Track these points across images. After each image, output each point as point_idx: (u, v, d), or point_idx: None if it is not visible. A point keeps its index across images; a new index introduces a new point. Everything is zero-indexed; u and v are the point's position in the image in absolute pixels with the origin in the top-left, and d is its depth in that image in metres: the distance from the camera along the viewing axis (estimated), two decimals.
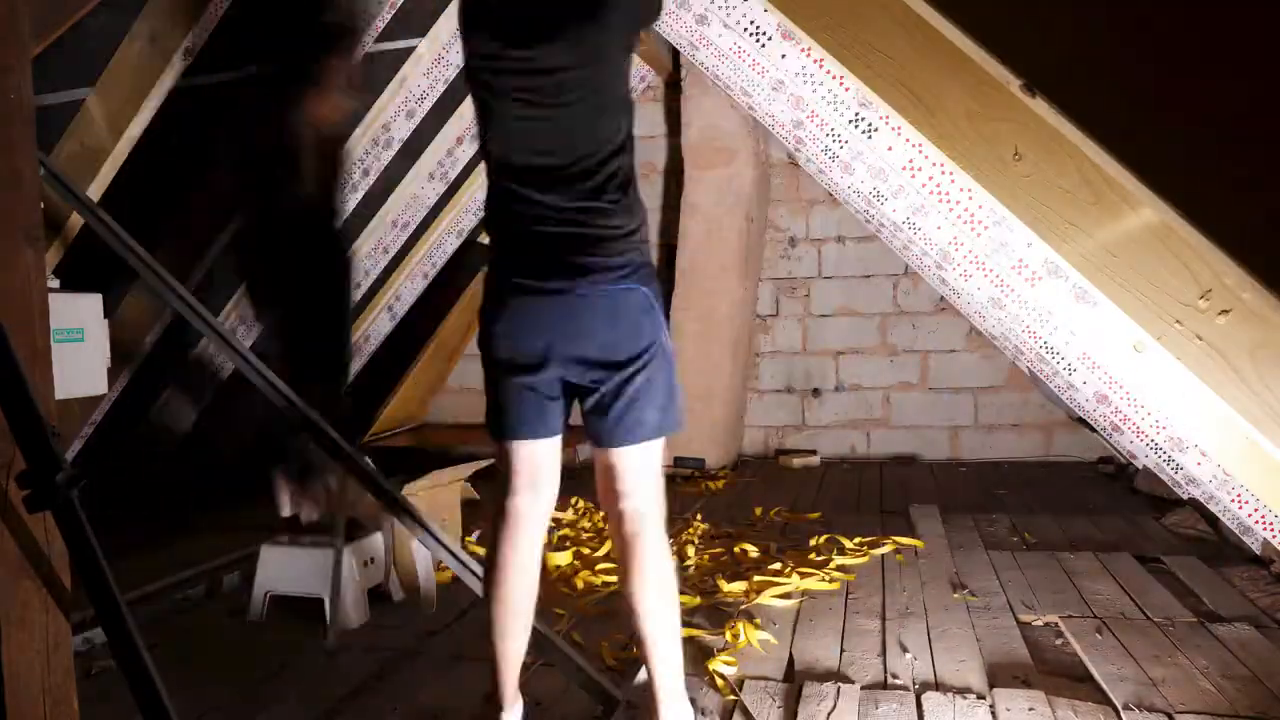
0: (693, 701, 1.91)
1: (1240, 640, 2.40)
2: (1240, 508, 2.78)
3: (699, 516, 3.82)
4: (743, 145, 4.85)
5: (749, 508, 4.04)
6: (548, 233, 1.70)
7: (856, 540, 3.38)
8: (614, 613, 2.73)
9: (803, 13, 1.78)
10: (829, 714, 2.02)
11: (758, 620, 2.59)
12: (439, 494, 3.23)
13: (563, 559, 3.23)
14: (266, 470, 2.82)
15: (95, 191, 2.75)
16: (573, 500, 3.96)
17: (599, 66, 1.70)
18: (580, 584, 3.02)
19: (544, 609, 2.18)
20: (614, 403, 1.74)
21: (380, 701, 2.19)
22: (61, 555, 1.24)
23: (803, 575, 2.99)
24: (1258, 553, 3.09)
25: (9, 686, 1.17)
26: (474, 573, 2.14)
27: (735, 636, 2.46)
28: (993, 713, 2.03)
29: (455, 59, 3.74)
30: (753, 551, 3.28)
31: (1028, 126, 1.50)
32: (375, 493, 2.32)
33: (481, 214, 5.03)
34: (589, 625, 2.64)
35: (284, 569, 2.71)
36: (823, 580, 2.96)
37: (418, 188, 4.42)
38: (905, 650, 2.40)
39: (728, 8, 3.00)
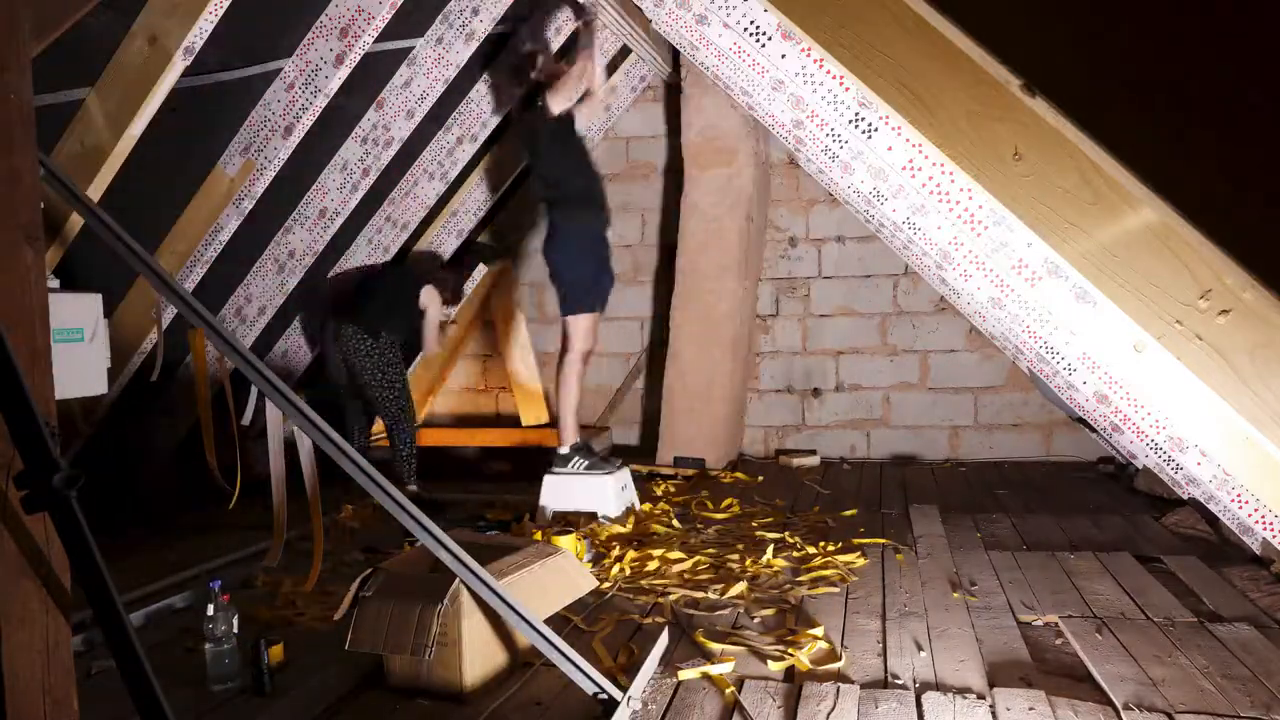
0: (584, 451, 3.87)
1: (1240, 640, 2.40)
2: (1240, 508, 2.77)
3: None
4: (743, 145, 4.86)
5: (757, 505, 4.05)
6: None
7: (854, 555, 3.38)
8: (615, 612, 2.73)
9: (802, 13, 1.78)
10: (829, 714, 2.02)
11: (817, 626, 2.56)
12: None
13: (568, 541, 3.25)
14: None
15: (95, 191, 2.76)
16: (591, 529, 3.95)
17: None
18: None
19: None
20: None
21: (380, 701, 2.19)
22: (62, 555, 1.24)
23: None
24: (1258, 553, 3.09)
25: (9, 686, 1.17)
26: (468, 567, 2.14)
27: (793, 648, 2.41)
28: (993, 712, 2.03)
29: (455, 59, 3.75)
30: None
31: (1028, 126, 1.50)
32: (372, 490, 2.31)
33: (480, 214, 5.06)
34: (589, 626, 2.64)
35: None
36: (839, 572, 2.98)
37: (418, 188, 4.42)
38: (921, 648, 2.39)
39: (728, 8, 3.00)
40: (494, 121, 4.46)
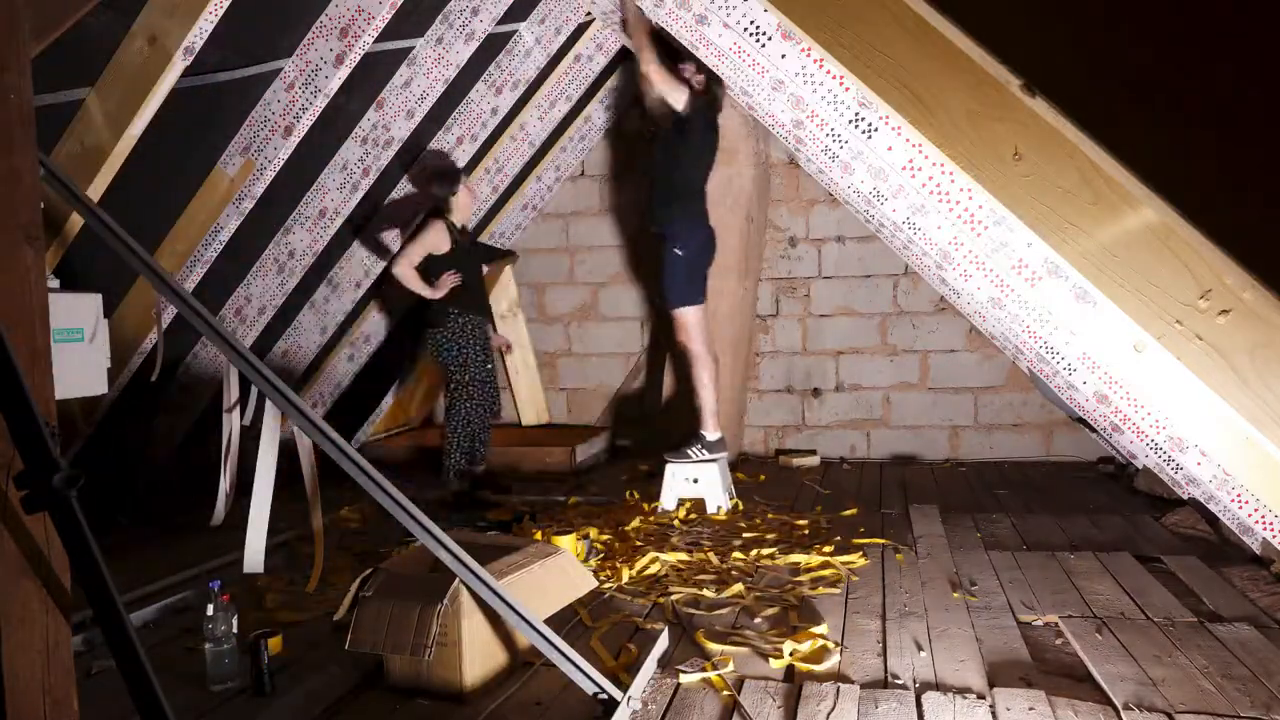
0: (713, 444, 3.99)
1: (1240, 640, 2.40)
2: (1240, 508, 2.77)
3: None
4: (743, 145, 4.85)
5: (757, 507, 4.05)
6: None
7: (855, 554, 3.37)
8: (616, 612, 2.73)
9: (802, 13, 1.78)
10: (829, 714, 2.02)
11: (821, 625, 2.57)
12: None
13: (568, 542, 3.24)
14: None
15: (95, 191, 2.75)
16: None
17: None
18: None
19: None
20: None
21: (380, 701, 2.19)
22: (62, 555, 1.24)
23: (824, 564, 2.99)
24: (1258, 553, 3.09)
25: (9, 686, 1.17)
26: (468, 567, 2.14)
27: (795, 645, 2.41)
28: (993, 712, 2.03)
29: (455, 59, 3.74)
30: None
31: (1028, 126, 1.50)
32: (370, 488, 2.31)
33: (480, 214, 5.05)
34: (590, 628, 2.64)
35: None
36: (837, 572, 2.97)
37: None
38: (921, 648, 2.40)
39: (728, 8, 3.00)
40: (493, 123, 4.46)
